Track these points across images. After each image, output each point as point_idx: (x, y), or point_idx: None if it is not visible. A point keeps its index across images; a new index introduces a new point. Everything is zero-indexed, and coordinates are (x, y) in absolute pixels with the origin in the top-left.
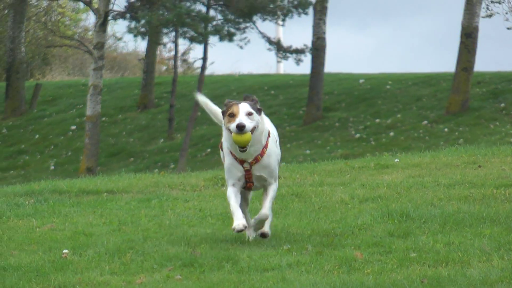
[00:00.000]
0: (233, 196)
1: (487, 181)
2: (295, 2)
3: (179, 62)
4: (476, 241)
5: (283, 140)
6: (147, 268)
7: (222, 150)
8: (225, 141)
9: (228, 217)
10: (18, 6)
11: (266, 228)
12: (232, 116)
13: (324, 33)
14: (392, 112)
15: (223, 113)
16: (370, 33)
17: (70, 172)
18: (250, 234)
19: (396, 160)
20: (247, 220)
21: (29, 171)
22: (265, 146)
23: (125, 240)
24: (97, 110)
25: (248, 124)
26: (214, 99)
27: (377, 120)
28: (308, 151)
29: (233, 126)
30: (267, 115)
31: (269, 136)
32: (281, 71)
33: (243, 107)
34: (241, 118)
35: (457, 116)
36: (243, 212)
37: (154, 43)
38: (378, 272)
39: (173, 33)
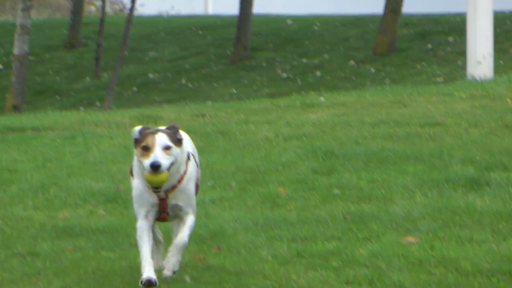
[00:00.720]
0: (145, 237)
1: (412, 120)
2: None
3: (107, 3)
4: (399, 179)
5: (210, 79)
6: (71, 204)
7: (131, 175)
8: (138, 169)
9: None
10: None
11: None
12: (146, 149)
13: None
14: (319, 53)
15: (136, 142)
16: None
17: None
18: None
19: (322, 99)
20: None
21: None
22: (185, 172)
23: (49, 176)
24: (24, 49)
25: (165, 162)
26: (142, 39)
27: (304, 60)
28: (234, 91)
29: (146, 164)
30: (194, 54)
31: (188, 159)
32: (210, 12)
33: (160, 140)
34: (157, 154)
35: (384, 56)
36: (156, 253)
37: None
38: (301, 208)
39: None
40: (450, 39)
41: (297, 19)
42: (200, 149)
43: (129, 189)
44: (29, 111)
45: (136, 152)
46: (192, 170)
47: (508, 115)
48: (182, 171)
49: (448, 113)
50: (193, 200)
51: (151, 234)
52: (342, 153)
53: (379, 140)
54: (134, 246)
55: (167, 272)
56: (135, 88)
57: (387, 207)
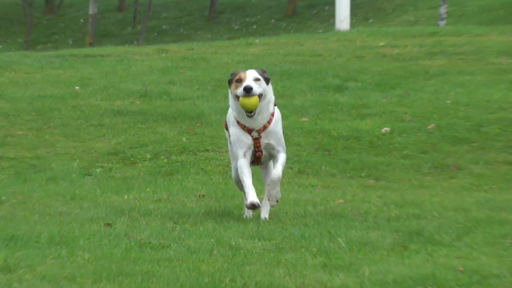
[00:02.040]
0: (246, 170)
1: (305, 52)
2: None
3: None
4: (298, 85)
5: (195, 29)
6: (121, 97)
7: (226, 130)
8: (233, 110)
9: None
10: None
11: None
12: (240, 81)
13: None
14: (255, 15)
15: (230, 81)
16: None
17: None
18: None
19: (256, 40)
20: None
21: None
22: (272, 114)
23: (109, 82)
24: (95, 10)
25: (255, 88)
26: (157, 6)
27: (247, 19)
28: (209, 36)
29: (240, 89)
30: (187, 15)
31: (275, 104)
32: None
33: (251, 73)
34: (248, 82)
35: (290, 17)
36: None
37: None
38: None
39: None
40: (326, 7)
41: None
42: (189, 68)
43: (154, 90)
44: (97, 46)
45: (231, 90)
46: (279, 114)
47: (357, 50)
48: (270, 110)
49: (325, 49)
50: (282, 139)
51: (249, 168)
52: (269, 71)
53: (288, 64)
54: (160, 120)
55: (272, 202)
56: (155, 34)
57: (292, 101)
